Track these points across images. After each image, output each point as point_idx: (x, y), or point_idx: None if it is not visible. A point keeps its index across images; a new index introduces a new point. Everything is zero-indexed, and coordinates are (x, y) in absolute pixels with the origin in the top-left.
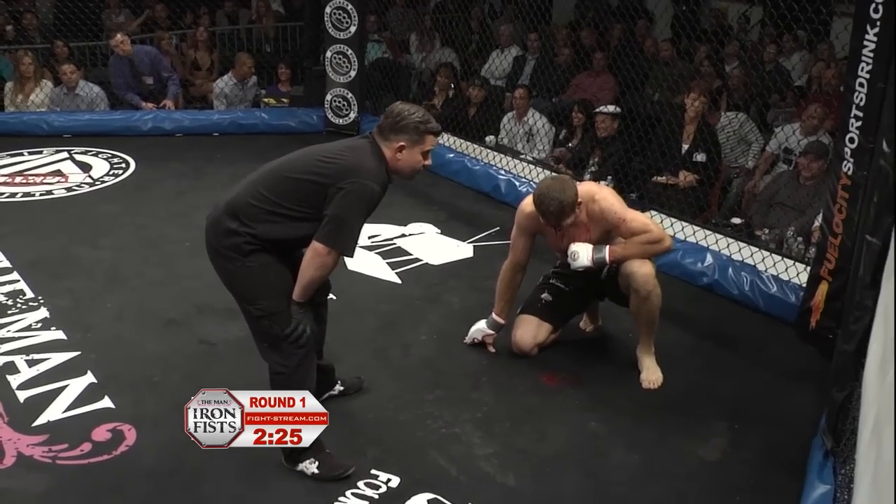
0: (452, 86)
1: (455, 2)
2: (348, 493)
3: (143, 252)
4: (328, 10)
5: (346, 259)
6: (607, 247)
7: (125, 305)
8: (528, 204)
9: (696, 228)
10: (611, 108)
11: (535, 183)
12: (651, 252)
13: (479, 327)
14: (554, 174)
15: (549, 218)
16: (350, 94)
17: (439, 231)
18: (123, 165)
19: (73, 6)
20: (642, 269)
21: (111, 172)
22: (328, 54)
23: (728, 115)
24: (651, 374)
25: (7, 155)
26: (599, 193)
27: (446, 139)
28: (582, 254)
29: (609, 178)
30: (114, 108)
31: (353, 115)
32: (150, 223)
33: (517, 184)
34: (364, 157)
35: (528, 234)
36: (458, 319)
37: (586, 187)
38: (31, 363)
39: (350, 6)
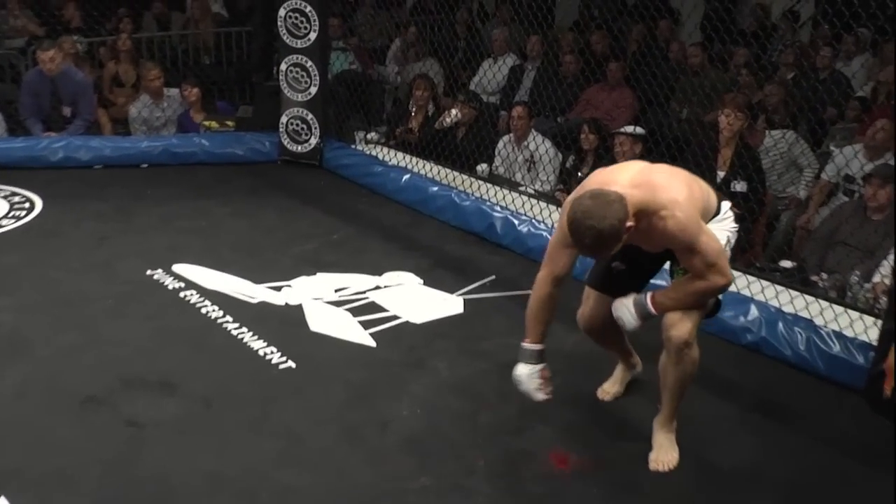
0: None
1: (436, 1)
2: None
3: (54, 312)
4: (282, 12)
5: (308, 319)
6: (649, 297)
7: (30, 380)
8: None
9: (738, 274)
10: (632, 129)
11: (537, 221)
12: (705, 301)
13: (527, 372)
14: (595, 189)
15: (584, 252)
16: (310, 115)
17: (422, 282)
18: (27, 205)
19: None
20: (678, 331)
21: (11, 214)
22: (283, 67)
23: (773, 134)
24: (663, 453)
25: None
26: (670, 208)
27: (429, 169)
28: (625, 315)
29: None
30: (13, 133)
31: (313, 141)
32: (62, 277)
33: (516, 222)
34: None
35: (573, 246)
36: (446, 389)
37: (652, 195)
38: None
39: (309, 8)
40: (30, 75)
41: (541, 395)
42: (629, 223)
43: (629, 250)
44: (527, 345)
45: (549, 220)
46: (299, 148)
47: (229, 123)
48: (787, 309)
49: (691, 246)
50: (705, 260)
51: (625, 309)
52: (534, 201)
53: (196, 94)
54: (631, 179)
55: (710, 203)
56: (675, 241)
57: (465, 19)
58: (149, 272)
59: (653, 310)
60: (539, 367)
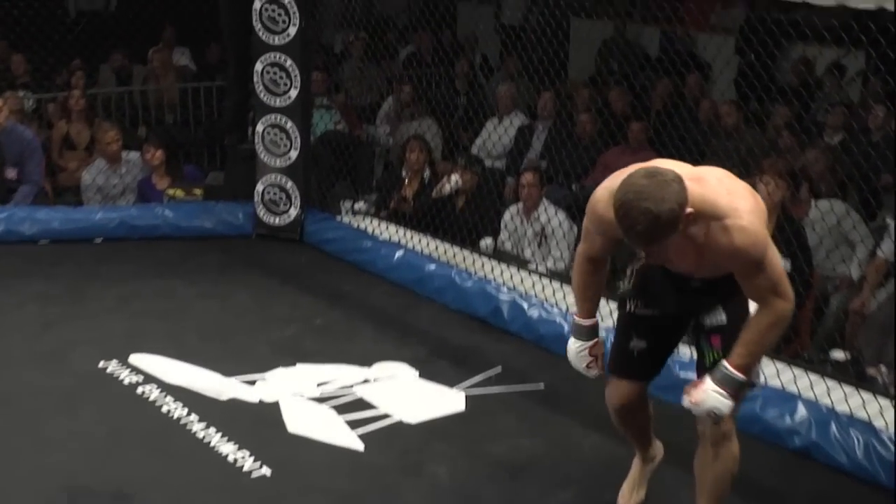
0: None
1: (433, 53)
2: None
3: None
4: (259, 66)
5: (286, 418)
6: (730, 366)
7: None
8: (602, 200)
9: (782, 366)
10: None
11: (549, 305)
12: (777, 338)
13: (574, 349)
14: (650, 167)
15: (634, 240)
16: (290, 183)
17: (418, 374)
18: None
19: None
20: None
21: None
22: (259, 127)
23: (820, 205)
24: None
25: None
26: (734, 217)
27: (425, 244)
28: (717, 402)
29: None
30: None
31: (293, 212)
32: (0, 369)
33: (525, 306)
34: None
35: (605, 235)
36: (446, 500)
37: (715, 196)
38: None
39: (289, 61)
40: None
41: (592, 373)
42: (689, 209)
43: (650, 322)
44: (576, 319)
45: (563, 302)
46: (277, 220)
47: (197, 192)
48: (841, 408)
49: (759, 263)
50: (770, 280)
51: (713, 396)
52: (546, 281)
53: (160, 156)
54: (687, 173)
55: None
56: (739, 258)
57: (465, 72)
58: (101, 364)
59: (742, 376)
60: (588, 343)
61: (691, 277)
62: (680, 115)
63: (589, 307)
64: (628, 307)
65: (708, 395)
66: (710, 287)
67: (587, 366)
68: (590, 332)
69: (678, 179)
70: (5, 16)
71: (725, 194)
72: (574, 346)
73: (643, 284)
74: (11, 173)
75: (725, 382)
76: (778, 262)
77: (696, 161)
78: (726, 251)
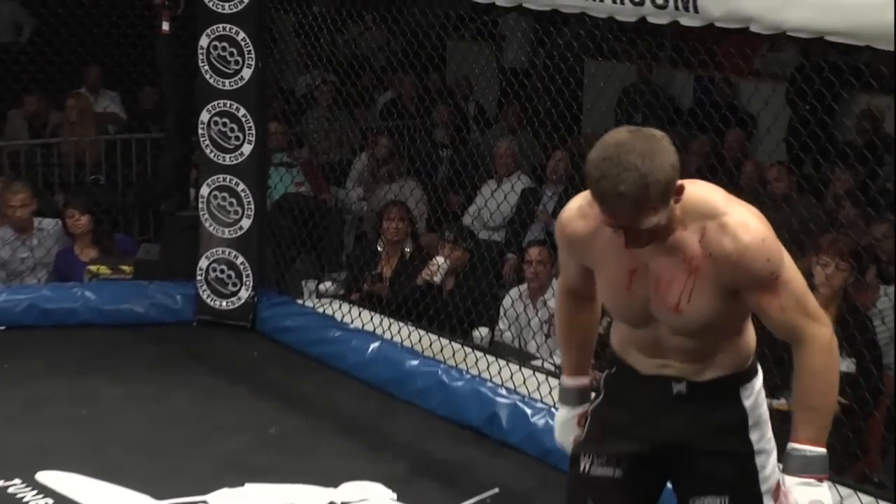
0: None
1: (417, 100)
2: None
3: None
4: (205, 116)
5: None
6: (800, 445)
7: None
8: (569, 209)
9: (846, 492)
10: None
11: (557, 410)
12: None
13: (560, 419)
14: (632, 130)
15: (615, 208)
16: (241, 258)
17: (395, 497)
18: None
19: None
20: None
21: None
22: (204, 190)
23: (890, 291)
24: None
25: None
26: (736, 215)
27: (406, 335)
28: (807, 495)
29: None
30: None
31: (244, 294)
32: None
33: (529, 411)
34: None
35: (573, 257)
36: None
37: (708, 193)
38: None
39: (242, 110)
40: None
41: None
42: (681, 184)
43: (610, 485)
44: (563, 379)
45: None
46: (224, 304)
47: (125, 269)
48: None
49: (775, 271)
50: (797, 298)
51: (799, 490)
52: (553, 381)
53: (85, 223)
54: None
55: None
56: (749, 263)
57: (446, 120)
58: (1, 483)
59: (821, 449)
60: (576, 411)
61: (672, 378)
62: (718, 180)
63: (576, 360)
64: (581, 466)
65: (792, 491)
66: (696, 400)
67: (574, 440)
68: (578, 396)
69: (668, 138)
70: None
71: (722, 194)
72: (559, 414)
73: (599, 431)
74: None
75: (809, 466)
76: (799, 275)
77: None
78: (731, 256)
